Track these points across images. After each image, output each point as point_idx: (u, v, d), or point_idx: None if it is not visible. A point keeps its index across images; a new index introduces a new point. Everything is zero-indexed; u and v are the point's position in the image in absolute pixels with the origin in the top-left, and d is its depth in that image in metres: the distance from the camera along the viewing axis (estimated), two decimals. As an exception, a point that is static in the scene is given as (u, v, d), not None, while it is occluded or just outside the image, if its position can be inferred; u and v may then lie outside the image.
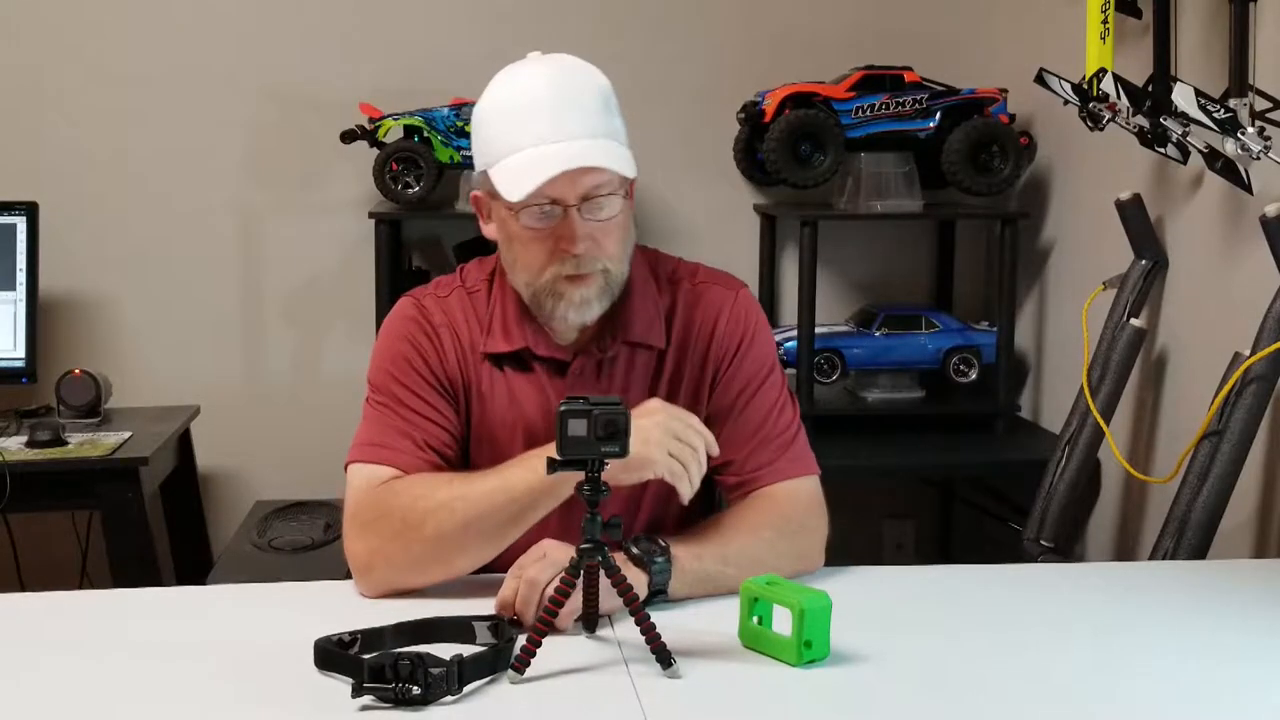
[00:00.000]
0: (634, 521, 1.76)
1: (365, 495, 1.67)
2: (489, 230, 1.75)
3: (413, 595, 1.62)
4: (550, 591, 1.46)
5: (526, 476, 1.59)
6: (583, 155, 1.62)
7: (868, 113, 3.05)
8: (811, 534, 1.74)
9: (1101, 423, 2.60)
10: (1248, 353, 2.20)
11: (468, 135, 3.02)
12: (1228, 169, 2.31)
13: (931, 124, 3.07)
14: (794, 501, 1.74)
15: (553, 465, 1.40)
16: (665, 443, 1.56)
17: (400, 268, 3.12)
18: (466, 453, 1.76)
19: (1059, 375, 3.10)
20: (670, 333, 1.79)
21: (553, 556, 1.52)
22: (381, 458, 1.69)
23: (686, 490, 1.56)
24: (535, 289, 1.69)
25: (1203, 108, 2.29)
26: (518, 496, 1.59)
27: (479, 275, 1.81)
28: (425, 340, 1.75)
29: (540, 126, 1.62)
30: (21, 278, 2.95)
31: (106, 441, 2.75)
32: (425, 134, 3.01)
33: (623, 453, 1.38)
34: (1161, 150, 2.47)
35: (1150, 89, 2.47)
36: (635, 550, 1.58)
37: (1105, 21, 2.52)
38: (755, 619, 1.47)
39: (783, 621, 1.43)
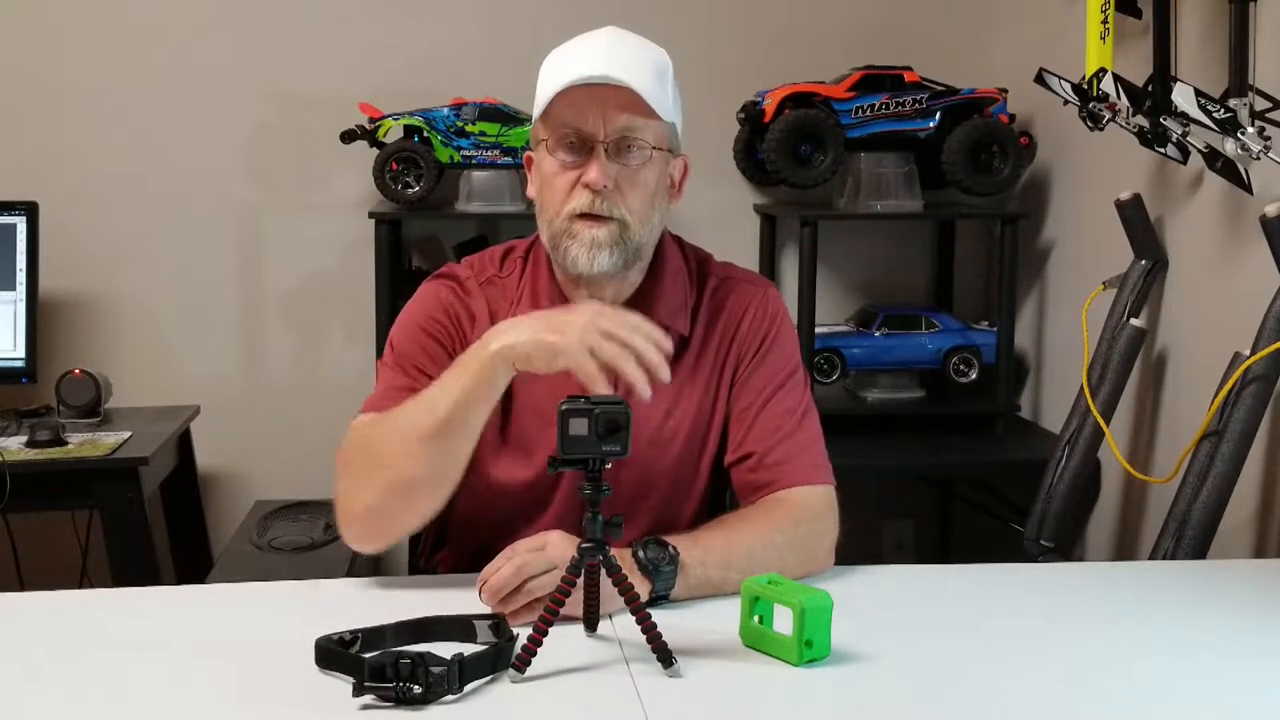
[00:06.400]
0: (638, 524, 1.71)
1: (344, 441, 1.66)
2: (532, 190, 1.74)
3: (413, 591, 1.62)
4: (534, 586, 1.48)
5: (456, 372, 1.57)
6: (609, 72, 1.60)
7: (868, 113, 3.05)
8: (821, 538, 1.72)
9: (1101, 423, 2.60)
10: (1248, 353, 2.20)
11: (468, 135, 3.06)
12: (1228, 169, 2.31)
13: (931, 124, 3.07)
14: (807, 508, 1.72)
15: (554, 464, 1.40)
16: (586, 337, 1.48)
17: (400, 268, 3.12)
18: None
19: (1059, 375, 3.10)
20: (695, 322, 1.78)
21: (551, 553, 1.51)
22: (378, 409, 1.67)
23: (601, 389, 1.46)
24: (554, 230, 1.67)
25: (1203, 108, 2.29)
26: (435, 395, 1.58)
27: (515, 256, 1.80)
28: (450, 316, 1.74)
29: (587, 67, 1.62)
30: (21, 278, 2.95)
31: (106, 441, 2.75)
32: (425, 134, 3.01)
33: (624, 451, 1.38)
34: (1161, 150, 2.47)
35: (1150, 89, 2.47)
36: (643, 556, 1.56)
37: (1105, 21, 2.53)
38: (756, 618, 1.46)
39: (784, 621, 1.43)
